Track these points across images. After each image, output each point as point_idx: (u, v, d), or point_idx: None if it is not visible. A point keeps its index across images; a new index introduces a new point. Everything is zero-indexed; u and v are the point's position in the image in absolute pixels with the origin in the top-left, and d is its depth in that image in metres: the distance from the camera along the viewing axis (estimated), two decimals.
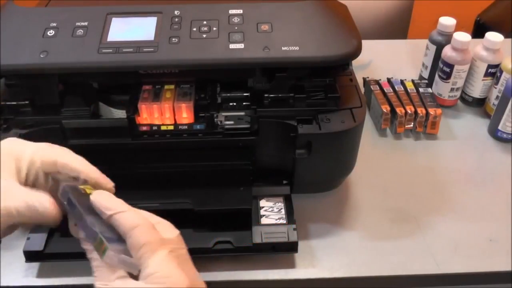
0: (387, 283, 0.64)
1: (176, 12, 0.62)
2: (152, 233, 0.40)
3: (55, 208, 0.42)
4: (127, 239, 0.40)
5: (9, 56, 0.57)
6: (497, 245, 0.66)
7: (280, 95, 0.63)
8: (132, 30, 0.60)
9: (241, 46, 0.58)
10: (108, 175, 0.66)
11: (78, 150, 0.63)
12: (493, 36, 0.84)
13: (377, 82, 0.90)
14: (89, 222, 0.41)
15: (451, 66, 0.86)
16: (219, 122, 0.62)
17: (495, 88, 0.86)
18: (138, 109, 0.62)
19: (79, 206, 0.42)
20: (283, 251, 0.63)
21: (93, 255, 0.41)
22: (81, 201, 0.42)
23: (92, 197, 0.41)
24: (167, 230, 0.42)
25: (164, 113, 0.62)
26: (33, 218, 0.41)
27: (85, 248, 0.42)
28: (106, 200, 0.41)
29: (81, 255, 0.60)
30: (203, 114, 0.62)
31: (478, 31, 1.50)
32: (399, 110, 0.83)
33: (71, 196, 0.43)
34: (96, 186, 0.45)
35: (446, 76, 0.87)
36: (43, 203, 0.41)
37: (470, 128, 0.87)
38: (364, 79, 0.93)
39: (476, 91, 0.89)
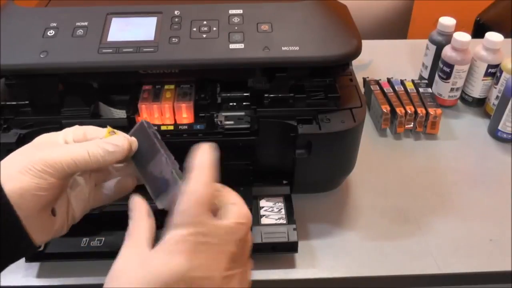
0: (387, 283, 0.64)
1: (176, 12, 0.62)
2: (196, 209, 0.37)
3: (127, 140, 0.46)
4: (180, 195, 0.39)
5: (9, 56, 0.57)
6: (497, 245, 0.66)
7: (280, 95, 0.63)
8: (132, 30, 0.60)
9: (241, 46, 0.58)
10: None
11: None
12: (493, 36, 0.84)
13: (377, 82, 0.90)
14: (165, 156, 0.44)
15: (451, 66, 0.86)
16: (219, 122, 0.62)
17: (495, 88, 0.86)
18: (138, 109, 0.62)
19: (157, 141, 0.46)
20: (283, 251, 0.63)
21: None
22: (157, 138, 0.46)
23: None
24: (232, 213, 0.39)
25: (164, 113, 0.62)
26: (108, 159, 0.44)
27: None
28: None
29: (81, 255, 0.60)
30: (203, 114, 0.62)
31: (478, 31, 1.50)
32: (399, 110, 0.83)
33: (151, 130, 0.47)
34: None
35: (446, 76, 0.87)
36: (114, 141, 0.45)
37: (470, 128, 0.87)
38: (364, 79, 0.93)
39: (476, 91, 0.89)
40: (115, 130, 0.48)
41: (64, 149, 0.44)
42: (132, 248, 0.39)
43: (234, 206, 0.40)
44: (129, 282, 0.36)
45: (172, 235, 0.37)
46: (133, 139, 0.47)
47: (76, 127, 0.48)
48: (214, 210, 0.40)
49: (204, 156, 0.41)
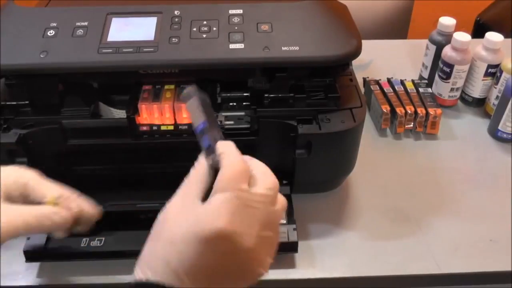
0: (387, 283, 0.64)
1: (176, 12, 0.62)
2: (237, 178, 0.42)
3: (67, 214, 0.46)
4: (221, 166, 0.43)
5: (9, 56, 0.57)
6: (497, 245, 0.66)
7: (280, 95, 0.63)
8: (132, 30, 0.60)
9: (241, 46, 0.58)
10: (108, 175, 0.67)
11: (78, 150, 0.63)
12: (493, 36, 0.84)
13: (377, 82, 0.90)
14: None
15: (451, 66, 0.86)
16: (219, 122, 0.62)
17: (495, 88, 0.86)
18: (138, 109, 0.62)
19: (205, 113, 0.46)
20: (283, 251, 0.62)
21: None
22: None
23: None
24: (262, 182, 0.43)
25: (164, 113, 0.62)
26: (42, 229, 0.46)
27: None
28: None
29: (81, 255, 0.60)
30: None
31: (478, 31, 1.50)
32: (399, 110, 0.83)
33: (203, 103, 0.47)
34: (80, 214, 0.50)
35: (446, 76, 0.87)
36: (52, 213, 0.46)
37: (470, 128, 0.87)
38: (364, 79, 0.93)
39: (476, 91, 0.89)
40: (59, 201, 0.48)
41: None
42: (182, 200, 0.43)
43: (263, 175, 0.43)
44: (172, 232, 0.41)
45: (217, 198, 0.41)
46: (80, 212, 0.48)
47: (18, 177, 0.48)
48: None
49: (227, 143, 0.45)
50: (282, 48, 0.58)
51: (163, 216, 0.43)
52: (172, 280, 0.40)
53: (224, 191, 0.41)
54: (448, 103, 0.90)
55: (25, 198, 0.49)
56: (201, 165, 0.45)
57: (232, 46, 0.58)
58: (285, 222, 0.63)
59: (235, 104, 0.64)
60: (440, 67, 0.88)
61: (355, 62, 0.69)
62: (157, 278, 0.40)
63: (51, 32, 0.59)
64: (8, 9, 0.62)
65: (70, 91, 0.63)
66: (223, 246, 0.40)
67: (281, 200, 0.44)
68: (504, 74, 0.83)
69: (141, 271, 0.41)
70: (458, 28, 0.88)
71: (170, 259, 0.40)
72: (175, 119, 0.63)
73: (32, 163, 0.62)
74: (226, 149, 0.44)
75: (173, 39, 0.59)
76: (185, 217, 0.41)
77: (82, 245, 0.61)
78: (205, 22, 0.61)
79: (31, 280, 0.61)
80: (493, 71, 0.86)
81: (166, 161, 0.66)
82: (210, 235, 0.39)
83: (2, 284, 0.61)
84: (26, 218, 0.45)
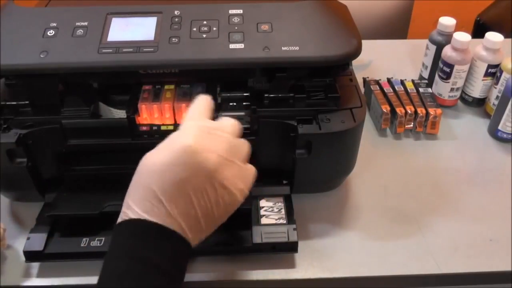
0: (387, 283, 0.64)
1: (176, 12, 0.62)
2: (201, 112, 0.53)
3: None
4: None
5: (9, 56, 0.57)
6: (497, 245, 0.66)
7: (280, 95, 0.63)
8: (132, 30, 0.60)
9: (241, 46, 0.58)
10: (108, 175, 0.67)
11: (78, 150, 0.63)
12: (493, 36, 0.84)
13: (377, 82, 0.90)
14: None
15: (451, 66, 0.86)
16: None
17: (495, 88, 0.86)
18: (138, 109, 0.62)
19: None
20: (283, 251, 0.63)
21: None
22: None
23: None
24: (225, 119, 0.54)
25: (164, 113, 0.62)
26: None
27: None
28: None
29: (81, 255, 0.61)
30: None
31: (478, 31, 1.51)
32: (399, 110, 0.83)
33: None
34: None
35: (446, 76, 0.87)
36: None
37: (470, 128, 0.87)
38: (364, 79, 0.93)
39: (476, 91, 0.89)
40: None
41: None
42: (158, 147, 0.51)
43: (226, 118, 0.55)
44: (151, 165, 0.48)
45: (186, 123, 0.51)
46: None
47: None
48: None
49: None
50: (282, 48, 0.58)
51: (142, 162, 0.49)
52: (153, 205, 0.46)
53: (190, 120, 0.52)
54: (448, 103, 0.90)
55: None
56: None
57: (232, 46, 0.58)
58: (285, 222, 0.63)
59: (235, 104, 0.64)
60: (440, 67, 0.88)
61: (355, 62, 0.69)
62: (140, 209, 0.47)
63: (51, 32, 0.59)
64: (8, 9, 0.62)
65: (70, 91, 0.63)
66: (191, 160, 0.47)
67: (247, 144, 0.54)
68: (504, 74, 0.84)
69: (126, 207, 0.48)
70: (458, 28, 0.88)
71: (150, 183, 0.47)
72: (175, 119, 0.63)
73: (32, 163, 0.62)
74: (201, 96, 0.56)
75: (173, 39, 0.59)
76: (160, 150, 0.49)
77: (82, 245, 0.61)
78: (205, 22, 0.61)
79: (31, 280, 0.61)
80: (493, 71, 0.86)
81: None
82: (179, 150, 0.47)
83: (2, 284, 0.61)
84: None
